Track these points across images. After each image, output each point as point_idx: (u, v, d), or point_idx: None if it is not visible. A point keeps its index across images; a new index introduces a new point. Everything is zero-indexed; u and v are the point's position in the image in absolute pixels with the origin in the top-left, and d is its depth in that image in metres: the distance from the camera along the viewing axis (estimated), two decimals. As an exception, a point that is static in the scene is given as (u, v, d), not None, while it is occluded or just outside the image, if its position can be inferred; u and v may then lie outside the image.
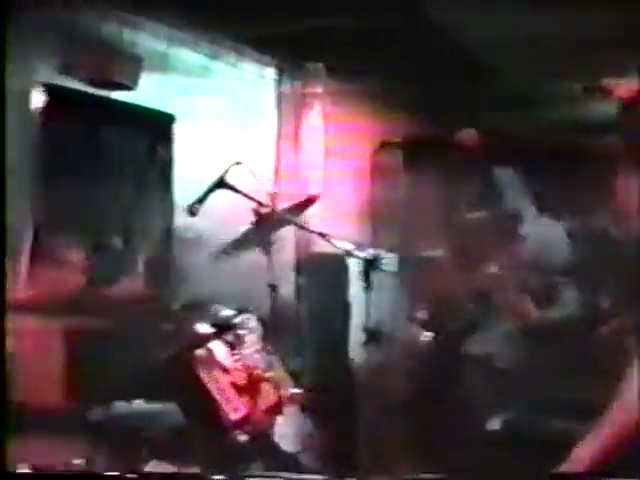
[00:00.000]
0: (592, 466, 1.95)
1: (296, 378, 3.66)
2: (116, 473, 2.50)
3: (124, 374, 3.41)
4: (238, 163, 3.45)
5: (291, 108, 5.55)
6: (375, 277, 3.49)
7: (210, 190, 3.40)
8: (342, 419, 4.32)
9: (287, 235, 4.97)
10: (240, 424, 3.15)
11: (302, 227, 3.64)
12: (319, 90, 5.45)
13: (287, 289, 4.92)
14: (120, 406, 3.47)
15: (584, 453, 1.97)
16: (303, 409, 4.34)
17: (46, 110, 4.28)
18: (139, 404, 3.57)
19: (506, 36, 4.57)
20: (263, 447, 3.44)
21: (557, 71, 4.66)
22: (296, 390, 3.32)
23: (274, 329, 3.54)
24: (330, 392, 4.57)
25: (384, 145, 2.85)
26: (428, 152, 2.76)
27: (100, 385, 3.48)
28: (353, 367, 4.56)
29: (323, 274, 4.95)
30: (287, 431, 3.91)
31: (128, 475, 2.40)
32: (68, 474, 2.81)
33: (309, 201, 3.91)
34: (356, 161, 5.41)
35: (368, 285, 3.49)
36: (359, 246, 3.52)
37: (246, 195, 3.42)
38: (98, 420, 3.32)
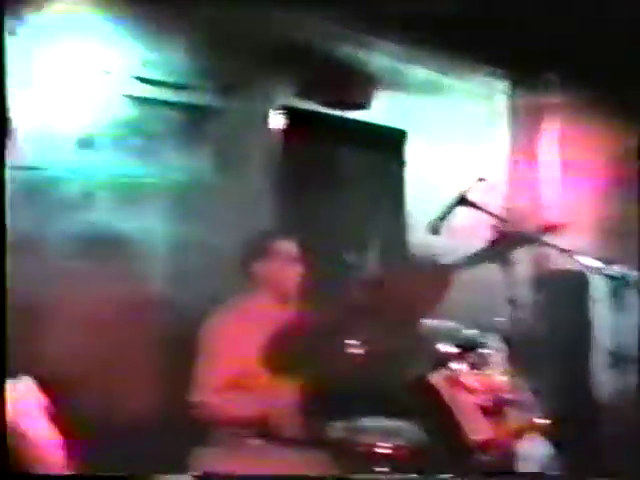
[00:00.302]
0: None
1: (540, 401, 3.53)
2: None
3: (369, 391, 3.43)
4: (482, 179, 3.38)
5: (525, 121, 5.43)
6: (623, 296, 3.32)
7: (452, 207, 3.35)
8: (584, 446, 4.14)
9: (524, 251, 4.84)
10: (483, 446, 3.08)
11: (545, 243, 3.52)
12: (554, 101, 5.29)
13: (528, 309, 4.79)
14: (363, 421, 3.49)
15: None
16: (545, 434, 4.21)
17: (285, 131, 4.44)
18: (381, 420, 3.59)
19: None
20: (505, 470, 3.35)
21: None
22: (541, 420, 3.20)
23: (520, 351, 3.44)
24: (572, 419, 4.40)
25: (625, 154, 2.69)
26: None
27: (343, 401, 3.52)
28: (597, 391, 4.35)
29: (563, 292, 4.77)
30: (529, 453, 3.79)
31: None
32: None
33: (555, 228, 3.77)
34: (594, 174, 5.20)
35: (616, 305, 3.34)
36: (606, 263, 3.36)
37: (487, 212, 3.34)
38: (339, 436, 3.35)
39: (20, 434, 2.57)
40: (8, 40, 2.92)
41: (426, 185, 4.97)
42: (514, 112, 5.47)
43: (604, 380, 3.66)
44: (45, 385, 3.07)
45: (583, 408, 4.37)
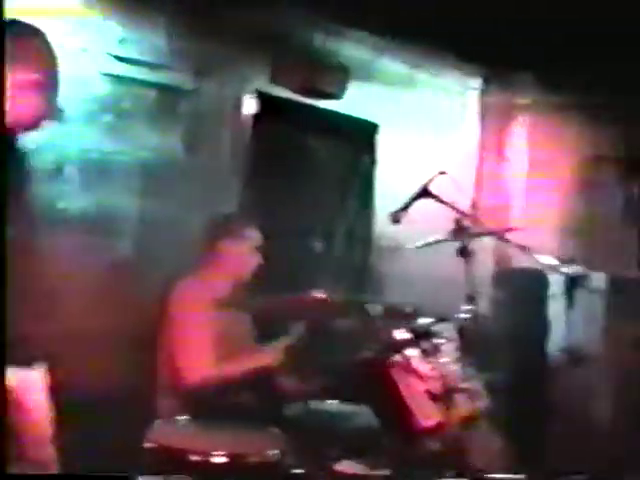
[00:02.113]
0: None
1: (491, 392, 3.61)
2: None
3: (321, 374, 3.51)
4: (442, 173, 3.46)
5: (495, 119, 5.50)
6: (579, 295, 3.40)
7: (414, 199, 3.44)
8: (536, 438, 4.23)
9: (486, 248, 4.92)
10: (432, 432, 3.15)
11: (504, 239, 3.60)
12: (526, 101, 5.36)
13: (485, 302, 4.87)
14: (315, 404, 3.56)
15: None
16: (495, 424, 4.29)
17: (258, 116, 4.48)
18: (333, 404, 3.66)
19: None
20: (454, 457, 3.42)
21: None
22: (490, 403, 3.28)
23: (471, 340, 3.51)
24: (524, 409, 4.49)
25: (596, 159, 2.77)
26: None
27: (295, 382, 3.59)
28: (550, 386, 4.44)
29: (522, 289, 4.86)
30: (479, 445, 3.87)
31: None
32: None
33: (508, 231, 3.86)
34: (561, 174, 5.27)
35: (571, 303, 3.43)
36: (563, 262, 3.44)
37: (449, 205, 3.42)
38: (293, 415, 3.42)
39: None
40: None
41: (395, 177, 5.03)
42: (485, 109, 5.54)
43: (557, 376, 3.74)
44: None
45: (535, 403, 4.46)
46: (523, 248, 3.37)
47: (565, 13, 4.41)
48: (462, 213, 3.46)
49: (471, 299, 3.59)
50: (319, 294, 3.12)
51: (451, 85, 5.44)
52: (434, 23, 4.57)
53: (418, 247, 3.55)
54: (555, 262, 3.56)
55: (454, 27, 4.67)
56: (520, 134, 5.44)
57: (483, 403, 3.31)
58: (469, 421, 3.25)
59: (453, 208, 3.43)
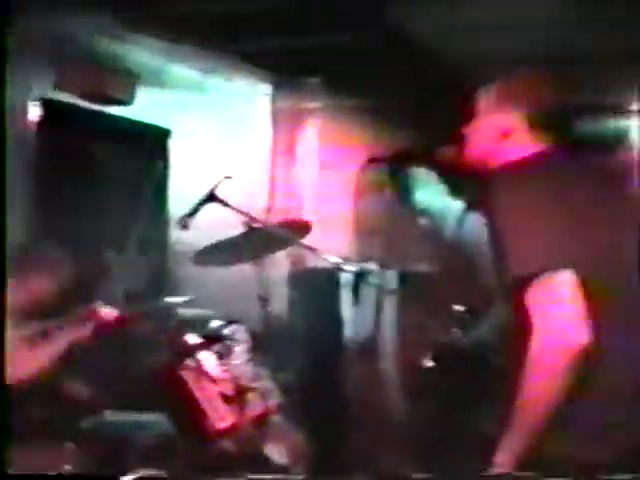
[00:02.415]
0: (516, 467, 2.02)
1: (285, 390, 3.69)
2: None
3: (116, 383, 3.46)
4: (228, 177, 3.50)
5: (286, 123, 5.60)
6: (366, 292, 3.52)
7: (200, 204, 3.45)
8: (331, 432, 4.35)
9: (277, 248, 5.01)
10: (226, 433, 3.19)
11: (295, 242, 3.68)
12: (315, 105, 5.50)
13: (280, 302, 4.96)
14: (110, 415, 3.51)
15: (507, 455, 2.04)
16: (292, 421, 4.38)
17: (42, 123, 4.35)
18: (128, 413, 3.62)
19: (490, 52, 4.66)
20: (252, 457, 3.47)
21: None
22: (282, 401, 3.36)
23: (264, 341, 3.58)
24: (320, 404, 4.61)
25: (373, 161, 2.90)
26: (413, 167, 2.80)
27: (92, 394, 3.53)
28: (342, 381, 4.58)
29: (316, 288, 4.97)
30: (277, 442, 3.95)
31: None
32: (68, 475, 2.86)
33: (301, 225, 3.95)
34: (350, 176, 5.45)
35: (357, 299, 3.55)
36: (348, 260, 3.56)
37: (235, 209, 3.46)
38: (88, 428, 3.36)
39: None
40: None
41: (189, 184, 5.03)
42: (276, 113, 5.63)
43: (349, 373, 3.86)
44: None
45: (330, 399, 4.59)
46: (311, 249, 3.46)
47: (347, 21, 4.58)
48: (250, 217, 3.51)
49: (263, 301, 3.66)
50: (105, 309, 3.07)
51: (243, 90, 5.50)
52: (224, 29, 4.63)
53: (200, 253, 3.57)
54: (347, 261, 3.67)
55: (244, 33, 4.75)
56: (311, 137, 5.57)
57: (276, 402, 3.37)
58: (262, 420, 3.31)
59: (240, 212, 3.48)
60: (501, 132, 2.30)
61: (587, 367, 1.98)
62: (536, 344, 1.99)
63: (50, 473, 2.69)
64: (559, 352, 1.97)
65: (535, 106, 2.30)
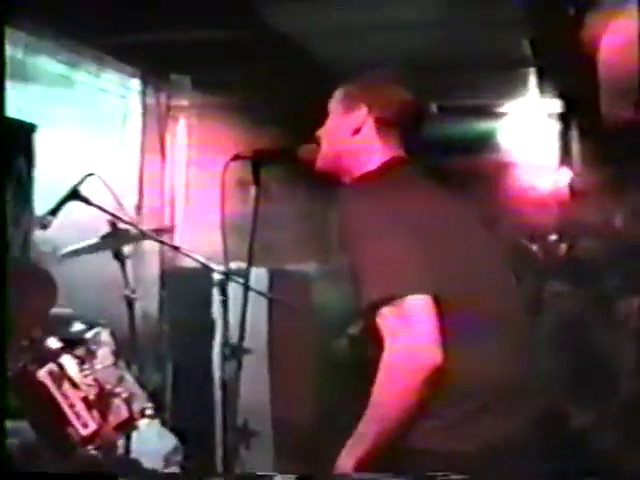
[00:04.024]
0: (359, 468, 2.03)
1: (153, 394, 3.62)
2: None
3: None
4: (91, 174, 3.41)
5: (156, 120, 5.51)
6: (236, 291, 3.48)
7: (62, 202, 3.35)
8: (203, 435, 4.31)
9: (152, 248, 4.93)
10: (90, 439, 3.09)
11: (156, 240, 3.62)
12: (184, 103, 5.43)
13: (149, 303, 4.88)
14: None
15: (349, 458, 2.05)
16: (164, 424, 4.31)
17: None
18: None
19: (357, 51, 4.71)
20: (120, 462, 3.39)
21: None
22: (149, 405, 3.28)
23: (129, 343, 3.50)
24: (191, 407, 4.56)
25: (236, 158, 2.86)
26: (276, 165, 2.79)
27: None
28: (215, 382, 4.53)
29: (187, 288, 4.90)
30: (147, 447, 3.87)
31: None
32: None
33: (165, 230, 3.90)
34: (218, 174, 5.38)
35: (226, 299, 3.51)
36: (216, 259, 3.52)
37: (99, 207, 3.37)
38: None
39: None
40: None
41: (55, 181, 4.87)
42: (145, 110, 5.53)
43: (223, 372, 3.81)
44: None
45: (203, 399, 4.54)
46: (175, 248, 3.41)
47: (217, 18, 4.54)
48: (114, 215, 3.42)
49: (129, 302, 3.58)
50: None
51: (111, 86, 5.37)
52: (93, 23, 4.51)
53: (65, 254, 3.47)
54: (215, 260, 3.63)
55: (113, 29, 4.64)
56: (180, 135, 5.50)
57: (142, 405, 3.30)
58: (128, 425, 3.23)
59: (104, 210, 3.39)
60: (350, 130, 2.31)
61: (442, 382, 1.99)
62: (385, 365, 2.00)
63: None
64: (407, 374, 1.98)
65: (382, 106, 2.31)
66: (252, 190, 2.80)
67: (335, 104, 2.40)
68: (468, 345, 2.04)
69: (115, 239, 3.49)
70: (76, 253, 3.51)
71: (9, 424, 3.41)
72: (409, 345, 1.97)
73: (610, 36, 0.85)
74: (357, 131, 2.31)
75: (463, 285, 2.10)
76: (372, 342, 2.07)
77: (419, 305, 1.98)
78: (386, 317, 2.00)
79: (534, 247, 5.64)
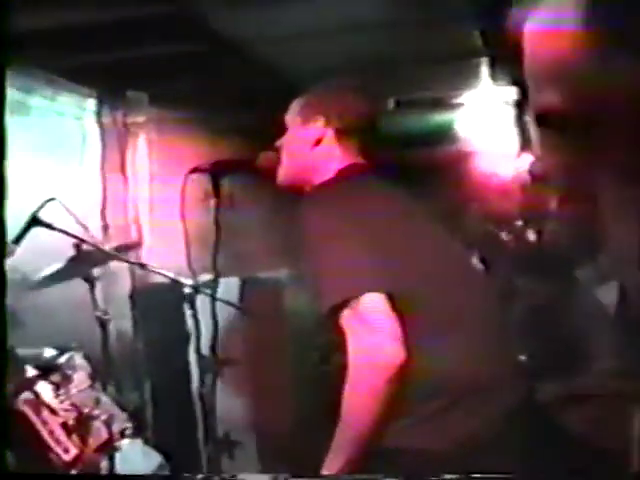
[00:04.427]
0: (342, 472, 2.05)
1: (133, 413, 3.62)
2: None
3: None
4: (52, 199, 3.40)
5: (114, 139, 5.49)
6: (205, 304, 3.49)
7: (25, 229, 3.34)
8: (186, 449, 4.30)
9: (122, 267, 4.91)
10: (72, 464, 3.08)
11: (122, 259, 3.61)
12: (142, 119, 5.42)
13: (123, 322, 4.86)
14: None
15: (332, 469, 2.07)
16: (146, 442, 4.31)
17: None
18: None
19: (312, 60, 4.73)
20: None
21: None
22: (129, 425, 3.28)
23: (104, 365, 3.49)
24: (173, 423, 4.55)
25: (194, 170, 2.87)
26: (235, 176, 2.80)
27: None
28: (193, 396, 4.53)
29: (159, 305, 4.89)
30: (132, 466, 3.87)
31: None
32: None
33: (131, 246, 3.89)
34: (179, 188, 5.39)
35: (195, 312, 3.52)
36: (183, 273, 3.52)
37: (62, 231, 3.37)
38: None
39: None
40: None
41: (18, 207, 4.85)
42: (103, 130, 5.51)
43: (200, 385, 3.82)
44: None
45: (184, 414, 4.53)
46: (142, 265, 3.41)
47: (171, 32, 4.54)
48: (78, 238, 3.42)
49: (102, 323, 3.58)
50: None
51: (67, 109, 5.35)
52: (45, 46, 4.49)
53: (39, 283, 3.46)
54: (182, 274, 3.63)
55: (66, 50, 4.63)
56: (140, 151, 5.49)
57: (122, 425, 3.30)
58: (108, 447, 3.23)
59: (67, 234, 3.38)
60: (310, 142, 2.32)
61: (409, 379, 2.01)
62: (350, 368, 2.02)
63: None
64: (371, 374, 1.99)
65: (340, 116, 2.33)
66: (212, 202, 2.79)
67: (292, 117, 2.41)
68: (434, 342, 2.06)
69: (81, 262, 3.48)
70: (49, 280, 3.50)
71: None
72: (370, 344, 1.99)
73: (533, 23, 0.87)
74: (317, 143, 2.33)
75: (423, 282, 2.12)
76: (339, 349, 2.09)
77: (375, 303, 2.00)
78: (345, 319, 2.02)
79: (502, 234, 5.68)
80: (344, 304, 2.00)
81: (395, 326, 1.98)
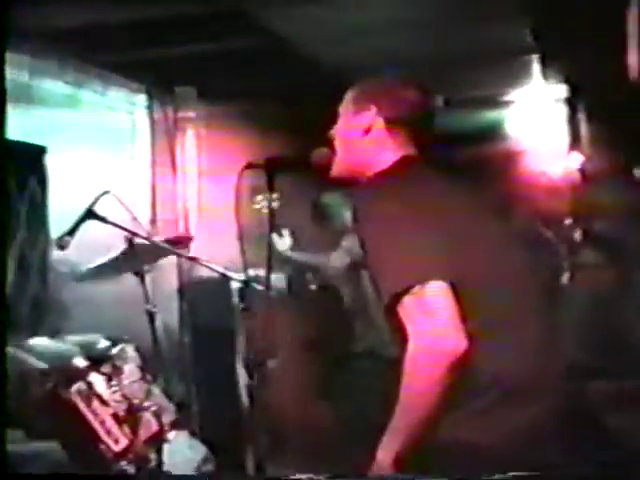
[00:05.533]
0: (398, 462, 2.04)
1: (180, 405, 3.64)
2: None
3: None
4: (106, 192, 3.43)
5: (164, 134, 5.53)
6: (256, 299, 3.49)
7: (79, 222, 3.37)
8: (231, 443, 4.33)
9: (169, 261, 4.94)
10: (122, 455, 3.12)
11: (172, 252, 3.63)
12: (191, 114, 5.45)
13: (170, 316, 4.89)
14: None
15: (387, 453, 2.06)
16: (193, 434, 4.33)
17: None
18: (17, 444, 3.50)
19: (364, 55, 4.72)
20: (153, 476, 3.42)
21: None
22: (178, 416, 3.31)
23: (154, 357, 3.51)
24: (218, 416, 4.58)
25: (249, 166, 2.86)
26: (290, 172, 2.80)
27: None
28: (239, 389, 4.56)
29: (207, 299, 4.92)
30: (179, 458, 3.89)
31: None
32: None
33: (183, 240, 3.91)
34: (231, 183, 5.41)
35: (246, 307, 3.52)
36: (234, 268, 3.53)
37: (115, 224, 3.40)
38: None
39: None
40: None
41: (68, 202, 4.90)
42: (153, 125, 5.55)
43: (246, 383, 3.83)
44: None
45: (230, 409, 4.56)
46: (193, 259, 3.42)
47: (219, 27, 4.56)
48: (131, 232, 3.45)
49: (151, 316, 3.60)
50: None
51: (118, 103, 5.40)
52: (96, 42, 4.54)
53: (83, 275, 3.49)
54: (233, 269, 3.64)
55: (116, 46, 4.67)
56: (189, 146, 5.52)
57: (171, 417, 3.32)
58: (158, 438, 3.25)
59: (121, 227, 3.41)
60: (360, 130, 2.32)
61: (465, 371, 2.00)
62: (410, 353, 2.01)
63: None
64: (432, 360, 1.99)
65: (391, 105, 2.32)
66: (262, 197, 2.78)
67: (345, 106, 2.42)
68: (488, 335, 2.05)
69: (133, 256, 3.50)
70: (96, 273, 3.53)
71: (36, 445, 3.47)
72: (432, 332, 1.98)
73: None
74: (367, 131, 2.33)
75: (482, 275, 2.11)
76: (398, 340, 2.08)
77: (438, 291, 2.00)
78: (407, 306, 2.02)
79: (549, 233, 5.64)
80: (406, 291, 2.00)
81: (456, 315, 1.98)
